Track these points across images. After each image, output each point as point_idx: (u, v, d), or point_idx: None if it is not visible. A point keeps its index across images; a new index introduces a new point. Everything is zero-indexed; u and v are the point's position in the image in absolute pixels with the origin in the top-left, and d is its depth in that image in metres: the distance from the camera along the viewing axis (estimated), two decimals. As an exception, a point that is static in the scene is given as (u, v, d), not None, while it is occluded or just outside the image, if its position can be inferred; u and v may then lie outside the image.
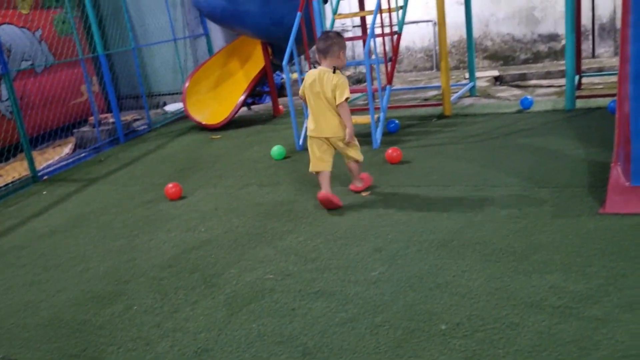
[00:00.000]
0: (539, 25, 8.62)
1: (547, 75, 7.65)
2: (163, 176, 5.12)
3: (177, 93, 8.79)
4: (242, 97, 7.09)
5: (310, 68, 5.96)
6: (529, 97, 5.84)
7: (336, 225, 3.41)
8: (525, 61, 8.80)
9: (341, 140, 3.69)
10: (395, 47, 5.48)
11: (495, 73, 8.08)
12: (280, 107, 7.48)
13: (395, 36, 5.49)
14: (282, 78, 8.92)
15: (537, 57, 8.72)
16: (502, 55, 8.99)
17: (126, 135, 7.08)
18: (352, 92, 6.34)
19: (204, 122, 6.96)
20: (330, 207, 3.69)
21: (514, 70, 8.10)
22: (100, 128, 6.83)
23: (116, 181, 5.21)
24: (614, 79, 6.85)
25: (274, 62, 7.19)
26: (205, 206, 4.11)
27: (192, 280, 2.92)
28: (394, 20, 5.59)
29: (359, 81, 9.14)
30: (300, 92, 3.85)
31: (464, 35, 8.88)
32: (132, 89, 9.03)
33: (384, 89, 5.27)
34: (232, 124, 7.01)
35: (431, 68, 9.56)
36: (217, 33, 8.90)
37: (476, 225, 3.11)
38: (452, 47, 9.30)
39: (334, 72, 3.62)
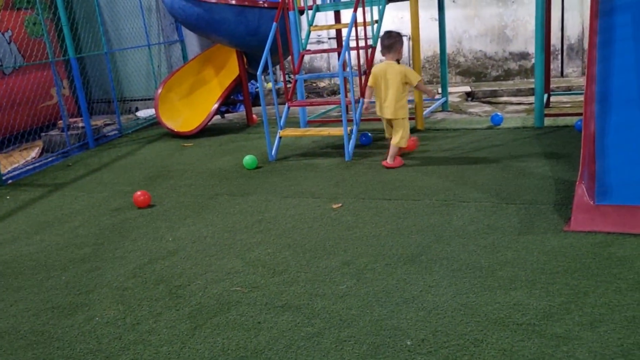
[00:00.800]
0: (510, 43, 8.80)
1: (518, 92, 7.80)
2: (132, 183, 5.04)
3: (149, 99, 8.70)
4: (216, 105, 7.05)
5: (284, 78, 5.98)
6: (499, 113, 5.94)
7: (305, 237, 3.39)
8: (497, 78, 8.97)
9: (395, 121, 4.61)
10: (370, 61, 5.52)
11: (467, 89, 8.21)
12: (254, 116, 7.46)
13: (370, 49, 5.53)
14: (257, 87, 8.90)
15: (508, 75, 8.89)
16: (474, 72, 9.14)
17: (96, 140, 6.96)
18: (325, 103, 6.39)
19: (176, 129, 6.89)
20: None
21: (485, 87, 8.23)
22: (69, 132, 6.70)
23: (83, 187, 5.10)
24: (582, 98, 7.01)
25: (249, 71, 7.18)
26: (173, 215, 4.05)
27: (156, 291, 2.87)
28: (369, 34, 5.63)
29: (334, 92, 9.17)
30: (370, 82, 4.70)
31: (438, 51, 9.03)
32: (104, 93, 8.91)
33: (357, 101, 5.30)
34: (205, 132, 6.95)
35: (405, 82, 9.66)
36: (192, 39, 8.84)
37: (445, 240, 3.13)
38: (426, 62, 9.41)
39: (398, 63, 4.59)
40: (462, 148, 5.10)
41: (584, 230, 3.03)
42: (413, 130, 5.96)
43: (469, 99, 7.97)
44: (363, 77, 5.44)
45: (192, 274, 3.03)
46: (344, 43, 5.03)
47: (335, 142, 5.76)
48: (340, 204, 3.91)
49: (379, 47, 5.07)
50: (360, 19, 5.47)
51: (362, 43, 5.62)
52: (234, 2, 6.36)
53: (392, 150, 4.65)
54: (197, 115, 7.02)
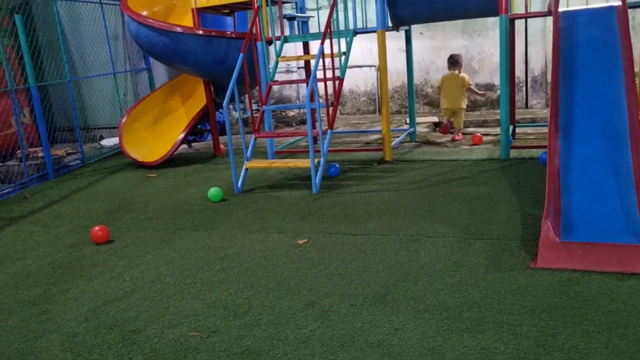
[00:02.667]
0: (477, 75, 8.93)
1: (484, 123, 7.88)
2: (91, 217, 4.86)
3: (115, 127, 8.52)
4: (182, 135, 6.93)
5: (251, 108, 5.92)
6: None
7: (269, 275, 3.28)
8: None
9: (456, 110, 6.99)
10: (337, 92, 5.50)
11: (435, 119, 8.27)
12: (222, 146, 7.35)
13: (338, 81, 5.52)
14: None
15: (474, 106, 8.99)
16: (442, 102, 9.23)
17: (56, 171, 6.74)
18: (292, 135, 6.34)
19: (140, 159, 6.73)
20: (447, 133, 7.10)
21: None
22: (28, 162, 6.47)
23: (40, 221, 4.89)
24: (545, 130, 7.12)
25: (216, 100, 7.09)
26: (132, 252, 3.89)
27: (109, 337, 2.71)
28: (337, 65, 5.62)
29: (303, 122, 9.14)
30: (440, 84, 7.12)
31: (406, 81, 9.11)
32: (67, 121, 8.68)
33: (325, 133, 5.25)
34: (171, 162, 6.81)
35: (374, 111, 9.71)
36: (159, 68, 8.74)
37: (411, 279, 3.06)
38: (394, 92, 9.49)
39: (459, 72, 6.92)
40: (429, 180, 5.08)
41: (550, 268, 3.00)
42: (381, 162, 5.95)
43: (437, 129, 8.01)
44: (331, 109, 5.42)
45: (149, 317, 2.88)
46: (311, 75, 5.00)
47: (302, 173, 5.69)
48: (306, 240, 3.82)
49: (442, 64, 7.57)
50: (327, 51, 5.46)
51: (329, 74, 5.60)
52: (200, 32, 6.31)
53: (455, 129, 7.02)
54: (163, 145, 6.88)
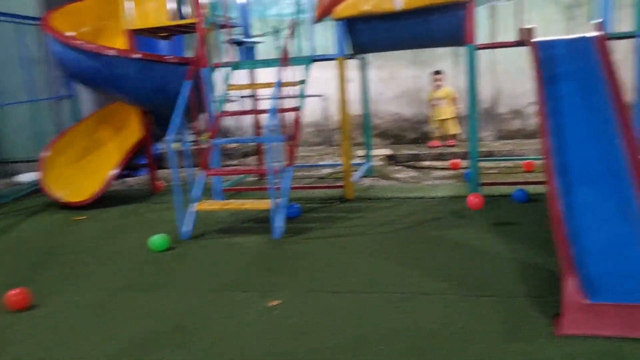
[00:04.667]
0: (427, 106, 8.71)
1: (440, 156, 7.59)
2: (6, 274, 4.00)
3: (34, 160, 7.52)
4: (114, 172, 6.12)
5: (198, 138, 5.26)
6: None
7: (244, 353, 2.65)
8: (415, 140, 8.81)
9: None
10: (297, 124, 4.99)
11: (389, 152, 7.92)
12: (160, 182, 6.60)
13: (296, 112, 5.01)
14: (161, 148, 8.03)
15: (424, 138, 8.74)
16: (392, 134, 8.94)
17: (-39, 213, 5.74)
18: (249, 172, 5.71)
19: (65, 199, 5.87)
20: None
21: (406, 150, 7.99)
22: None
23: (-62, 281, 3.98)
24: (505, 164, 6.94)
25: (155, 131, 6.37)
26: (62, 322, 3.12)
27: None
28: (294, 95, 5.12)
29: (246, 154, 8.53)
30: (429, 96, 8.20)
31: (354, 112, 8.74)
32: (-24, 155, 7.61)
33: (283, 169, 4.69)
34: (101, 201, 5.98)
35: (321, 143, 9.26)
36: (85, 95, 7.86)
37: (420, 353, 2.53)
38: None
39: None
40: (401, 221, 4.63)
41: (579, 334, 2.57)
42: (342, 200, 5.46)
43: (392, 162, 7.66)
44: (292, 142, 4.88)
45: None
46: (270, 105, 4.46)
47: (257, 214, 5.07)
48: (278, 301, 3.21)
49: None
50: (284, 79, 4.95)
51: (288, 104, 5.09)
52: (137, 55, 5.63)
53: (448, 135, 8.10)
54: (92, 183, 6.04)
